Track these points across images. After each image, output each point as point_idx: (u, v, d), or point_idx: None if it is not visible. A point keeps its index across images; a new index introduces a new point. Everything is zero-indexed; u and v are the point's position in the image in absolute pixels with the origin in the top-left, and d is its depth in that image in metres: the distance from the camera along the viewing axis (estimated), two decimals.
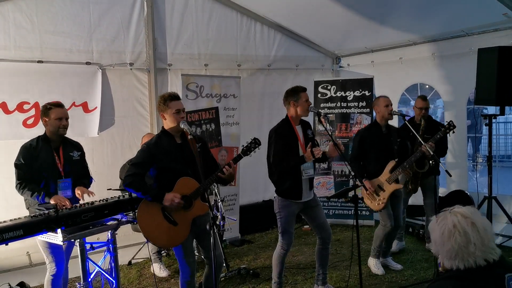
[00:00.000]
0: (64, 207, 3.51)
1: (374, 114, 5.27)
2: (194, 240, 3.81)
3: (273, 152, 4.09)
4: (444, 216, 1.89)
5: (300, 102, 4.15)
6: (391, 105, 4.87)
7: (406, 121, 4.87)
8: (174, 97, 3.57)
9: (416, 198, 5.89)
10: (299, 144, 4.16)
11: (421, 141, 4.63)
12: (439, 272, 2.28)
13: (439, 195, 5.88)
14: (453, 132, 4.83)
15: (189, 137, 3.45)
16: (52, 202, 3.60)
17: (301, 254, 5.72)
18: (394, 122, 6.11)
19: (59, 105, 3.87)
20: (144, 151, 3.54)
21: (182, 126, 3.48)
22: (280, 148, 4.08)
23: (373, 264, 5.02)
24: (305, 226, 6.69)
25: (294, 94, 4.18)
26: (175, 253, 3.67)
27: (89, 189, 4.00)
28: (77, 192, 3.83)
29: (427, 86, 6.91)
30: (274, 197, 4.26)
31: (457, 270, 1.85)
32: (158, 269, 5.10)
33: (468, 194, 5.88)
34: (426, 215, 5.62)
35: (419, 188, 5.55)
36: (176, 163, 3.52)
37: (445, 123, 4.94)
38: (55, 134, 3.84)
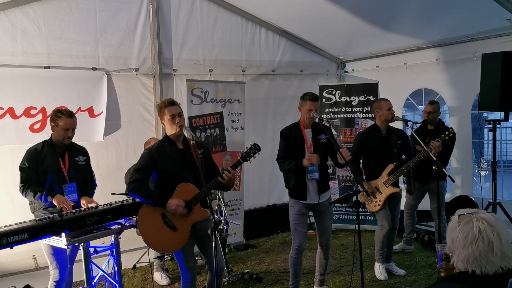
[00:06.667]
0: (68, 211, 3.56)
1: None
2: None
3: (278, 151, 4.27)
4: (468, 219, 1.86)
5: (303, 109, 4.21)
6: (392, 107, 4.89)
7: (411, 129, 4.87)
8: (168, 103, 3.59)
9: (421, 203, 5.88)
10: (305, 147, 4.20)
11: (425, 148, 4.60)
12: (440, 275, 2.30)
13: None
14: (451, 139, 4.83)
15: (192, 142, 3.48)
16: (54, 202, 3.65)
17: (305, 258, 5.65)
18: (398, 126, 6.12)
19: (69, 114, 3.89)
20: (146, 156, 3.58)
21: (184, 131, 3.52)
22: (282, 148, 4.23)
23: (378, 269, 5.03)
24: (309, 231, 6.67)
25: (301, 98, 4.24)
26: (176, 258, 3.70)
27: (94, 192, 4.09)
28: (82, 202, 3.86)
29: (434, 91, 6.88)
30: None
31: (462, 273, 1.85)
32: (160, 278, 5.11)
33: (473, 199, 5.85)
34: (434, 220, 5.61)
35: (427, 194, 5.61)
36: (177, 168, 3.54)
37: (446, 131, 4.91)
38: (60, 141, 3.90)
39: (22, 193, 3.77)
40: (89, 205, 3.79)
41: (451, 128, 4.86)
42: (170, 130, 3.60)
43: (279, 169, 4.30)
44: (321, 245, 4.40)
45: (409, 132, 5.27)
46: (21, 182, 3.79)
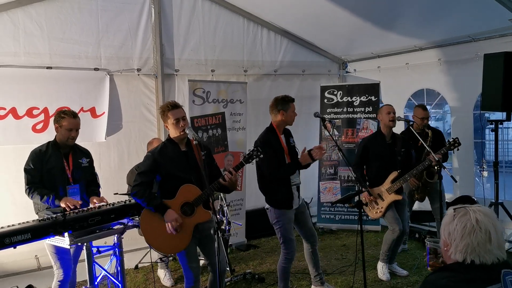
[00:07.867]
0: (74, 210, 3.56)
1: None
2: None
3: (268, 162, 4.05)
4: (465, 212, 1.90)
5: (288, 112, 4.23)
6: (393, 112, 4.89)
7: (412, 128, 4.86)
8: (172, 106, 3.59)
9: (423, 204, 5.88)
10: (284, 153, 4.22)
11: (430, 151, 4.61)
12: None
13: (446, 200, 5.87)
14: (458, 149, 4.87)
15: (194, 142, 3.48)
16: (62, 205, 3.66)
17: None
18: (400, 127, 6.12)
19: (73, 115, 3.91)
20: (149, 159, 3.59)
21: (187, 132, 3.52)
22: (272, 156, 4.08)
23: (380, 269, 5.03)
24: None
25: (284, 103, 4.24)
26: (179, 259, 3.70)
27: (100, 193, 4.11)
28: (93, 201, 3.87)
29: (436, 92, 6.88)
30: (267, 209, 4.30)
31: (456, 263, 1.87)
32: (163, 276, 5.12)
33: (475, 199, 5.84)
34: (435, 220, 5.61)
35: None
36: (180, 171, 3.55)
37: (451, 139, 4.93)
38: (64, 142, 3.91)
39: (28, 195, 3.78)
40: (100, 204, 3.80)
41: (457, 138, 4.86)
42: (174, 133, 3.60)
43: (272, 179, 4.14)
44: (310, 243, 4.46)
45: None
46: (27, 184, 3.80)
